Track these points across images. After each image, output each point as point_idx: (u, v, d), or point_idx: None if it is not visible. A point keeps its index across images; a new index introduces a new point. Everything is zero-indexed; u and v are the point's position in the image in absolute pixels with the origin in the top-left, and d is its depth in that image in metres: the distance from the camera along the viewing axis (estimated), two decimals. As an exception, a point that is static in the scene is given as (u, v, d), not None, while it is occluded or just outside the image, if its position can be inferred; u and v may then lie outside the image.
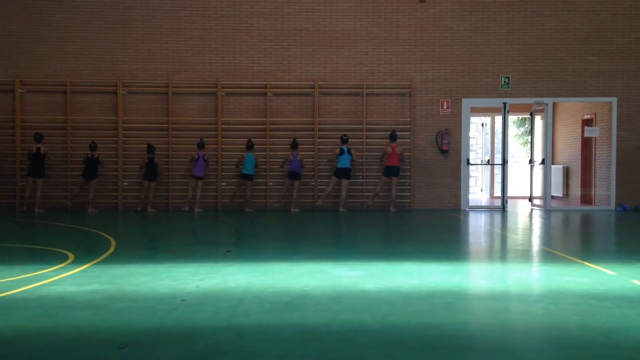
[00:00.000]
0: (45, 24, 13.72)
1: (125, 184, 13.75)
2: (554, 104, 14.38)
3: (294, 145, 13.31)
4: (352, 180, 13.57)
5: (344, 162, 13.20)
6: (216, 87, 13.76)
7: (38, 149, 12.95)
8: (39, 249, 8.13)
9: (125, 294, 5.28)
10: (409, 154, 13.80)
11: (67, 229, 10.56)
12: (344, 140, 13.25)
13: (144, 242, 9.44)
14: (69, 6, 13.75)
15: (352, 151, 13.27)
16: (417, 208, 13.82)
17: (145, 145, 13.35)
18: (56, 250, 7.66)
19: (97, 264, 6.72)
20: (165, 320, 4.48)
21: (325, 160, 13.67)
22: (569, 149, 16.81)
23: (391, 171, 13.28)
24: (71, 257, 7.09)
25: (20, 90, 13.59)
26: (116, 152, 13.69)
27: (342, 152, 13.21)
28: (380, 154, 13.57)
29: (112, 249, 7.82)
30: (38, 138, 13.00)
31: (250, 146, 13.30)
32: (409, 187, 13.89)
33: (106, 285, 5.60)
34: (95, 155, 13.14)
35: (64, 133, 13.67)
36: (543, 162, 14.27)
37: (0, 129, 13.54)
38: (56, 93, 13.72)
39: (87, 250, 7.91)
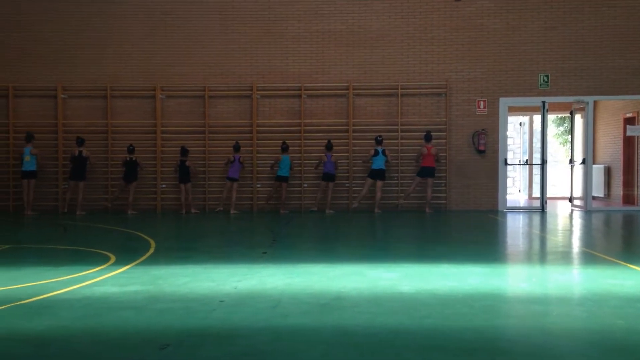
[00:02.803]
0: (85, 30, 14.07)
1: (164, 186, 13.99)
2: (595, 102, 14.05)
3: (329, 147, 13.33)
4: (386, 182, 13.52)
5: (379, 163, 13.15)
6: (251, 90, 13.88)
7: (80, 152, 13.28)
8: (81, 250, 8.34)
9: (165, 295, 5.37)
10: (445, 154, 13.67)
11: (108, 230, 10.80)
12: (379, 141, 13.21)
13: (183, 243, 9.58)
14: (108, 13, 14.08)
15: (386, 152, 13.21)
16: (453, 209, 13.67)
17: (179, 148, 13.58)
18: (98, 251, 7.85)
19: (137, 265, 6.86)
20: (204, 321, 4.54)
21: (360, 161, 13.64)
22: (610, 148, 16.39)
23: (427, 172, 13.18)
24: (113, 258, 7.25)
25: (62, 96, 13.97)
26: (155, 155, 13.95)
27: (376, 153, 13.17)
28: (416, 154, 13.48)
29: (152, 250, 7.96)
30: (80, 142, 13.34)
31: (285, 148, 13.37)
32: (444, 187, 13.76)
33: (147, 286, 5.71)
34: (134, 158, 13.41)
35: (105, 137, 13.99)
36: (584, 161, 13.95)
37: (43, 134, 13.93)
38: (96, 98, 14.06)
39: (127, 251, 8.08)
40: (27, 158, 13.17)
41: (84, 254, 8.05)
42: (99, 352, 3.90)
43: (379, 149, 13.18)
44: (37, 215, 13.12)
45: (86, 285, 5.77)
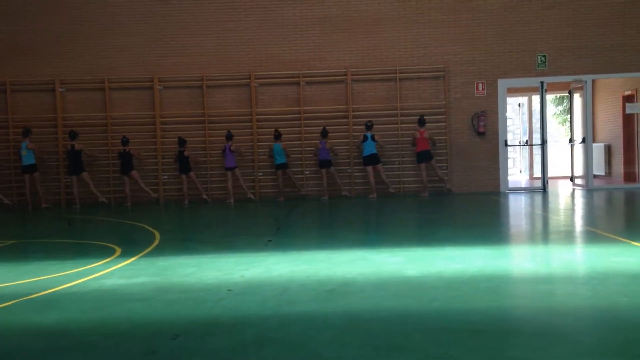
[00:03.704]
0: (81, 22, 14.00)
1: (165, 177, 14.00)
2: (593, 81, 14.01)
3: (324, 134, 13.32)
4: (387, 166, 13.54)
5: (369, 148, 13.14)
6: (249, 79, 13.85)
7: (72, 146, 13.29)
8: (87, 244, 8.38)
9: (173, 286, 5.41)
10: (444, 137, 13.67)
11: (112, 223, 10.83)
12: (368, 127, 13.20)
13: (187, 234, 9.62)
14: (104, 4, 14.00)
15: (376, 137, 13.17)
16: (455, 192, 13.70)
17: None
18: (103, 244, 7.88)
19: (143, 256, 6.90)
20: (213, 310, 4.58)
21: (355, 147, 13.64)
22: (610, 126, 16.38)
23: (423, 156, 13.19)
24: (118, 250, 7.29)
25: (60, 89, 13.94)
26: (155, 146, 13.95)
27: (365, 138, 13.15)
28: (411, 139, 13.48)
29: (157, 242, 8.00)
30: (72, 135, 13.35)
31: (277, 136, 13.36)
32: (446, 170, 13.77)
33: (154, 278, 5.75)
34: (128, 150, 13.40)
35: (104, 129, 13.98)
36: (584, 140, 13.96)
37: (42, 128, 13.92)
38: (94, 90, 14.02)
39: (133, 243, 8.12)
40: (23, 152, 13.20)
41: (89, 247, 8.09)
42: (110, 344, 3.94)
43: (368, 134, 13.16)
44: (50, 207, 13.26)
45: (93, 278, 5.80)
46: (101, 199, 13.38)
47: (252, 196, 13.49)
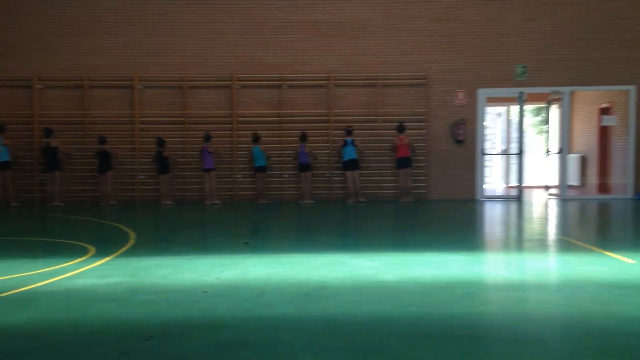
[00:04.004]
0: (61, 19, 13.82)
1: (143, 177, 13.86)
2: (572, 93, 14.24)
3: (303, 138, 13.34)
4: (365, 172, 13.58)
5: (349, 153, 13.21)
6: (231, 81, 13.79)
7: (48, 143, 13.11)
8: (60, 243, 8.24)
9: (147, 287, 5.35)
10: (424, 144, 13.76)
11: (86, 222, 10.68)
12: (348, 132, 13.27)
13: (163, 234, 9.53)
14: (85, 1, 13.84)
15: (356, 142, 13.25)
16: (433, 199, 13.79)
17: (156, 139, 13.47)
18: (77, 243, 7.77)
19: (118, 256, 6.81)
20: (188, 312, 4.54)
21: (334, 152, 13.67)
22: (585, 137, 16.65)
23: (402, 163, 13.28)
24: (92, 250, 7.19)
25: (38, 86, 13.73)
26: (133, 145, 13.81)
27: (345, 143, 13.21)
28: (391, 145, 13.55)
29: (132, 242, 7.91)
30: (48, 133, 13.17)
31: (255, 139, 13.35)
32: (424, 177, 13.86)
33: (128, 278, 5.68)
34: (105, 149, 13.25)
35: (82, 127, 13.80)
36: (560, 151, 14.16)
37: (18, 124, 13.69)
38: (73, 88, 13.84)
39: (107, 243, 8.00)
40: (-1, 149, 12.98)
41: (62, 246, 7.96)
42: (83, 344, 3.88)
43: (348, 139, 13.22)
44: (20, 206, 12.96)
45: (66, 277, 5.71)
46: (57, 204, 13.10)
47: (218, 201, 13.42)
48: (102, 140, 13.25)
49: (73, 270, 6.02)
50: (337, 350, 3.69)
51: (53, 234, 9.41)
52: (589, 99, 16.04)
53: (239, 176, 13.88)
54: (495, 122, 20.03)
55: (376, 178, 13.87)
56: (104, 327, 4.22)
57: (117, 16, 13.84)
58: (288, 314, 4.45)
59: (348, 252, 7.07)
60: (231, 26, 13.86)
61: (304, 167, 13.37)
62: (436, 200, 13.70)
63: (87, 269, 6.08)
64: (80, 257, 6.73)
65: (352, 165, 13.25)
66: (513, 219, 10.95)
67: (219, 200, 13.49)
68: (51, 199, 13.25)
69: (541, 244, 8.09)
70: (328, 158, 13.79)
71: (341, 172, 13.59)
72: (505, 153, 16.74)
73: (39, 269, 6.05)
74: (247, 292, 5.09)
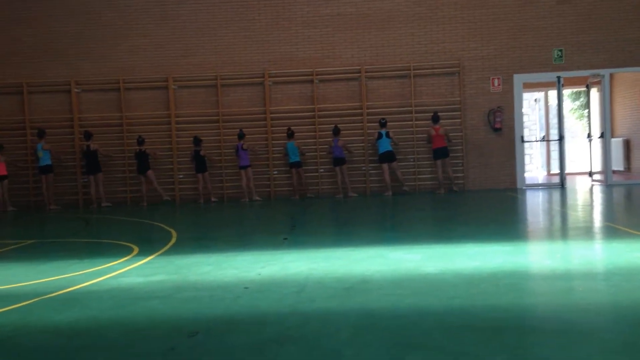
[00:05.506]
0: (97, 24, 14.10)
1: (181, 176, 14.05)
2: (611, 75, 13.83)
3: (335, 132, 13.29)
4: (403, 163, 13.47)
5: (384, 145, 13.09)
6: (263, 77, 13.85)
7: (88, 146, 13.39)
8: (104, 243, 8.42)
9: (190, 284, 5.41)
10: (459, 134, 13.57)
11: (129, 222, 10.88)
12: (382, 124, 13.14)
13: (203, 232, 9.63)
14: (120, 5, 14.09)
15: (390, 134, 13.12)
16: (472, 189, 13.59)
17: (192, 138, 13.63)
18: (121, 243, 7.92)
19: (161, 255, 6.91)
20: (231, 308, 4.57)
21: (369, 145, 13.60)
22: (628, 120, 16.17)
23: (439, 153, 13.11)
24: (136, 249, 7.31)
25: (76, 90, 14.04)
26: (170, 145, 14.01)
27: (380, 136, 13.10)
28: (426, 136, 13.39)
29: (173, 240, 8.02)
30: (87, 136, 13.45)
31: (290, 134, 13.35)
32: (462, 167, 13.67)
33: (172, 276, 5.76)
34: (144, 150, 13.46)
35: (120, 130, 14.07)
36: (602, 135, 13.78)
37: (59, 129, 14.04)
38: (110, 91, 14.11)
39: (150, 242, 8.14)
40: (40, 154, 13.33)
41: (107, 246, 8.13)
42: (130, 342, 3.94)
43: (382, 131, 13.11)
44: (59, 209, 13.29)
45: (112, 276, 5.82)
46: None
47: (258, 198, 13.49)
48: (141, 141, 13.47)
49: (118, 269, 6.14)
50: (379, 344, 3.65)
51: (97, 235, 9.62)
52: (630, 80, 15.56)
53: (275, 172, 13.94)
54: (533, 108, 19.61)
55: (412, 170, 13.74)
56: (150, 324, 4.28)
57: (150, 18, 14.05)
58: (330, 309, 4.43)
59: (388, 245, 7.02)
60: (261, 23, 13.90)
61: (339, 161, 13.33)
62: (475, 190, 13.50)
63: (131, 268, 6.18)
64: (125, 256, 6.86)
65: (389, 157, 13.15)
66: (556, 206, 10.70)
67: (259, 197, 13.57)
68: (94, 200, 13.54)
69: (586, 231, 7.88)
70: (363, 151, 13.73)
71: (377, 164, 13.50)
72: (545, 139, 16.37)
73: (86, 269, 6.18)
74: (289, 288, 5.09)
